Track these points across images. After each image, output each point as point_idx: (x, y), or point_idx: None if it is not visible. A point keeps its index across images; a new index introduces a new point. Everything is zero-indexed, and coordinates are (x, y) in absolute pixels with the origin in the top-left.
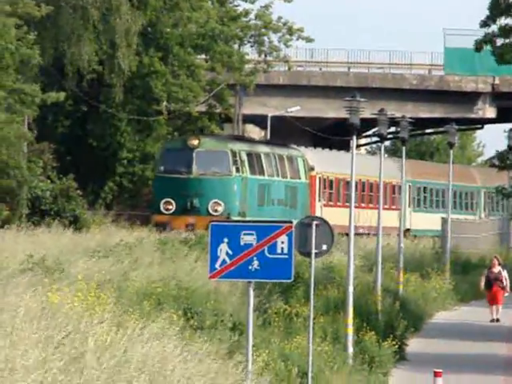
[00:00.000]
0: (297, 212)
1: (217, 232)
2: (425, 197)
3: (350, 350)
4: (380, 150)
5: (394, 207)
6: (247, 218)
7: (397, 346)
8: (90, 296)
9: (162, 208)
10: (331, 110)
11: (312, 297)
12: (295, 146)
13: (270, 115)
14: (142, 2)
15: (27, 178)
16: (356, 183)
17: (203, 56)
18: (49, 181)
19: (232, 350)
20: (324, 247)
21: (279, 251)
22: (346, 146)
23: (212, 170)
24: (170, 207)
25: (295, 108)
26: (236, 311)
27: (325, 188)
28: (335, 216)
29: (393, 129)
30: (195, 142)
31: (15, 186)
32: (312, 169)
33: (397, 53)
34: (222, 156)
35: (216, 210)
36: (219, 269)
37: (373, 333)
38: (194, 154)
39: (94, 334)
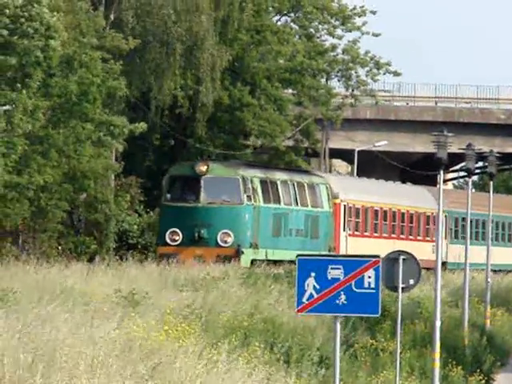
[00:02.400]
0: (318, 243)
1: (304, 266)
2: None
3: None
4: (467, 184)
5: (428, 239)
6: (260, 250)
7: (483, 381)
8: (176, 329)
9: (167, 239)
10: (418, 144)
11: (399, 331)
12: (317, 172)
13: (356, 149)
14: (228, 37)
15: (114, 211)
16: (386, 212)
17: (290, 90)
18: (136, 215)
19: None
20: (411, 282)
21: (366, 285)
22: (432, 181)
23: (221, 198)
24: (177, 238)
25: (382, 142)
26: (322, 345)
27: (350, 217)
28: (362, 247)
29: (480, 163)
30: (203, 168)
31: (103, 219)
32: (336, 196)
33: (484, 87)
34: (232, 183)
35: (225, 242)
36: (306, 303)
37: (460, 367)
38: (202, 181)
39: (180, 367)
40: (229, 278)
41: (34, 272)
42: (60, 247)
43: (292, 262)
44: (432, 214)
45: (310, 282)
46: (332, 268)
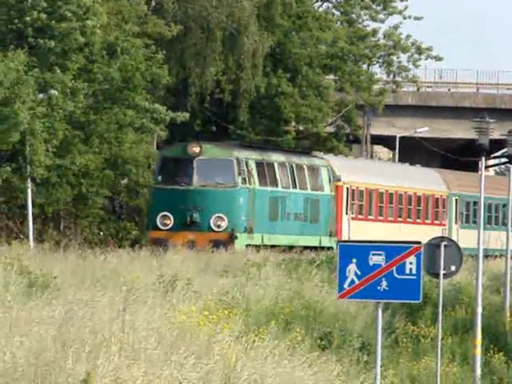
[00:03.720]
0: (318, 227)
1: (345, 252)
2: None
3: (478, 371)
4: (509, 171)
5: (437, 222)
6: (255, 235)
7: None
8: (217, 315)
9: (158, 223)
10: (460, 130)
11: (440, 318)
12: (318, 154)
13: (398, 136)
14: (270, 23)
15: None
16: (392, 195)
17: (332, 76)
18: None
19: (360, 371)
20: (453, 268)
21: (407, 272)
22: (474, 167)
23: (215, 181)
24: (168, 222)
25: (424, 129)
26: (364, 331)
27: (353, 200)
28: (366, 231)
29: None
30: (196, 150)
31: (144, 205)
32: (338, 179)
33: None
34: (226, 165)
35: (219, 226)
36: (348, 289)
37: (501, 353)
38: (195, 163)
39: (221, 352)
40: (269, 264)
41: (76, 257)
42: (101, 233)
43: (291, 247)
44: (441, 196)
45: (352, 268)
46: (373, 254)
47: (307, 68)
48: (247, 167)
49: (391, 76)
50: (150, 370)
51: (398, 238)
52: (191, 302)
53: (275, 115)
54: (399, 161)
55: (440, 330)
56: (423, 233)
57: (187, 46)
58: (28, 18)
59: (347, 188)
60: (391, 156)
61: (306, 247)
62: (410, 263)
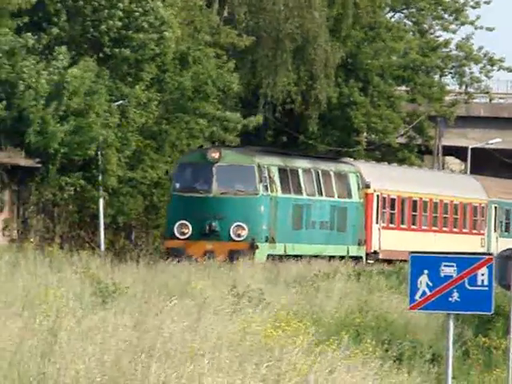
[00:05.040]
0: (346, 236)
1: (417, 263)
2: None
3: None
4: None
5: (475, 231)
6: (277, 244)
7: None
8: (288, 325)
9: (176, 232)
10: None
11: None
12: (347, 160)
13: (470, 147)
14: (341, 34)
15: None
16: (427, 203)
17: (403, 87)
18: None
19: (430, 382)
20: None
21: (479, 283)
22: None
23: (235, 188)
24: (186, 231)
25: (496, 140)
26: (434, 342)
27: (384, 208)
28: (397, 240)
29: None
30: (216, 155)
31: None
32: (368, 186)
33: None
34: (246, 172)
35: (239, 235)
36: (419, 300)
37: None
38: (215, 170)
39: (291, 362)
40: (338, 275)
41: (146, 267)
42: None
43: (315, 256)
44: (480, 204)
45: (423, 280)
46: (445, 265)
47: (379, 79)
48: (269, 174)
49: (463, 87)
50: (222, 380)
51: (433, 248)
52: (263, 312)
53: (346, 126)
54: (471, 172)
55: (511, 342)
56: (460, 242)
57: (258, 56)
58: (103, 27)
59: (377, 195)
60: (463, 167)
61: (331, 257)
62: (482, 274)
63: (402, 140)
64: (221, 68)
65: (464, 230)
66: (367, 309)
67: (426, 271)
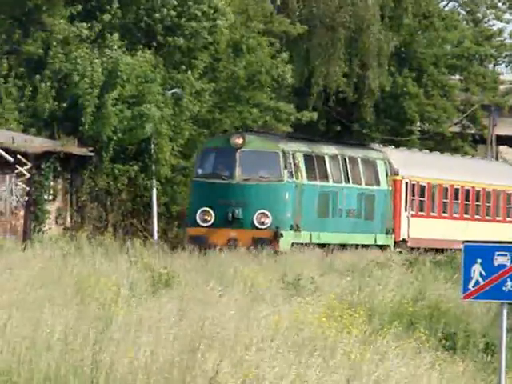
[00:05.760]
0: (374, 224)
1: (470, 253)
2: None
3: None
4: None
5: (509, 219)
6: (302, 232)
7: None
8: (341, 315)
9: (198, 219)
10: None
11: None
12: (375, 146)
13: None
14: (395, 22)
15: None
16: (458, 190)
17: (457, 76)
18: None
19: (484, 371)
20: None
21: None
22: None
23: (259, 175)
24: (208, 218)
25: None
26: (487, 332)
27: (413, 195)
28: (427, 228)
29: None
30: (239, 141)
31: None
32: (396, 173)
33: None
34: (271, 158)
35: (263, 223)
36: (472, 289)
37: None
38: (238, 155)
39: (343, 350)
40: (392, 264)
41: (198, 256)
42: None
43: (342, 245)
44: None
45: (476, 269)
46: (498, 254)
47: (433, 68)
48: (294, 160)
49: None
50: (278, 368)
51: (465, 237)
52: (315, 301)
53: (400, 115)
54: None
55: None
56: (493, 230)
57: (312, 45)
58: (157, 15)
59: (406, 183)
60: None
61: (358, 245)
62: None
63: (455, 129)
64: (274, 57)
65: (497, 218)
66: (420, 298)
67: (479, 260)
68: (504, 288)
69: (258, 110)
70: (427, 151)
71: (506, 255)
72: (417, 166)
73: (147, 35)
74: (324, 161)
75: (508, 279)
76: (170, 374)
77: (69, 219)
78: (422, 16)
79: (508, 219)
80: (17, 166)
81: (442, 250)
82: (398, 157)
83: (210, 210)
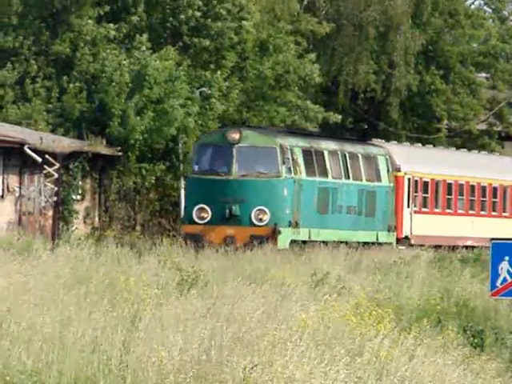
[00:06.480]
0: (375, 221)
1: (498, 250)
2: None
3: None
4: None
5: None
6: (301, 229)
7: None
8: (370, 313)
9: (194, 216)
10: None
11: None
12: (376, 142)
13: None
14: (422, 21)
15: None
16: (463, 186)
17: (483, 74)
18: None
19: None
20: None
21: None
22: None
23: (256, 170)
24: (205, 215)
25: None
26: None
27: (416, 191)
28: (431, 225)
29: None
30: (236, 136)
31: None
32: (398, 169)
33: None
34: (269, 153)
35: (261, 220)
36: (500, 287)
37: None
38: (235, 151)
39: (369, 349)
40: (420, 262)
41: (226, 255)
42: None
43: (342, 242)
44: None
45: (504, 266)
46: None
47: (460, 65)
48: (292, 155)
49: None
50: (302, 368)
51: (470, 233)
52: (343, 299)
53: (427, 113)
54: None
55: None
56: (500, 226)
57: (339, 43)
58: (183, 16)
59: (409, 179)
60: None
61: (361, 243)
62: None
63: (482, 127)
64: (301, 57)
65: (504, 214)
66: (449, 295)
67: (506, 258)
68: None
69: (285, 108)
70: (431, 146)
71: None
72: (420, 161)
73: (174, 36)
74: (323, 156)
75: None
76: (199, 375)
77: (97, 219)
78: (449, 14)
79: None
80: (45, 167)
81: (452, 248)
82: (400, 152)
83: (206, 207)
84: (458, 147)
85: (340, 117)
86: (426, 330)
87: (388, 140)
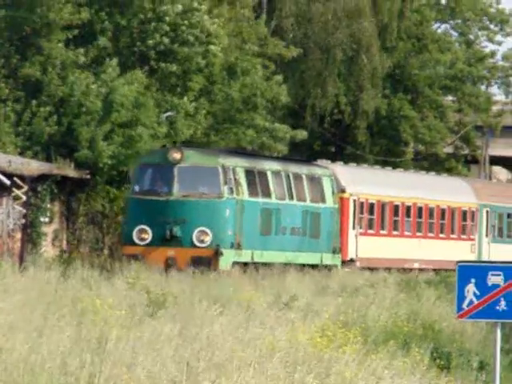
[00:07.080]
0: (320, 243)
1: (464, 272)
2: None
3: None
4: None
5: (464, 237)
6: (244, 251)
7: None
8: (335, 335)
9: (134, 237)
10: None
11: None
12: (320, 163)
13: None
14: (388, 45)
15: None
16: (410, 207)
17: (450, 97)
18: None
19: None
20: None
21: None
22: None
23: (198, 191)
24: (145, 237)
25: None
26: (481, 351)
27: (362, 213)
28: (376, 247)
29: None
30: (177, 156)
31: None
32: (343, 190)
33: None
34: (210, 173)
35: (202, 241)
36: (466, 309)
37: None
38: (176, 171)
39: (337, 370)
40: (385, 284)
41: (194, 276)
42: None
43: (286, 264)
44: (470, 208)
45: (470, 289)
46: (492, 274)
47: (427, 89)
48: (234, 176)
49: (510, 97)
50: None
51: (418, 255)
52: (310, 321)
53: (394, 136)
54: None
55: None
56: (448, 248)
57: (307, 67)
58: (151, 41)
59: (354, 200)
60: (510, 177)
61: (305, 265)
62: None
63: (449, 150)
64: (269, 79)
65: (452, 236)
66: (415, 318)
67: (473, 280)
68: (498, 307)
69: (253, 131)
70: (378, 167)
71: (499, 275)
72: (366, 182)
73: (141, 60)
74: (266, 176)
75: (502, 298)
76: None
77: (65, 242)
78: (416, 38)
79: (463, 236)
80: (13, 189)
81: (404, 270)
82: (345, 173)
83: (147, 228)
84: (425, 170)
85: (305, 133)
86: (393, 351)
87: (358, 163)
